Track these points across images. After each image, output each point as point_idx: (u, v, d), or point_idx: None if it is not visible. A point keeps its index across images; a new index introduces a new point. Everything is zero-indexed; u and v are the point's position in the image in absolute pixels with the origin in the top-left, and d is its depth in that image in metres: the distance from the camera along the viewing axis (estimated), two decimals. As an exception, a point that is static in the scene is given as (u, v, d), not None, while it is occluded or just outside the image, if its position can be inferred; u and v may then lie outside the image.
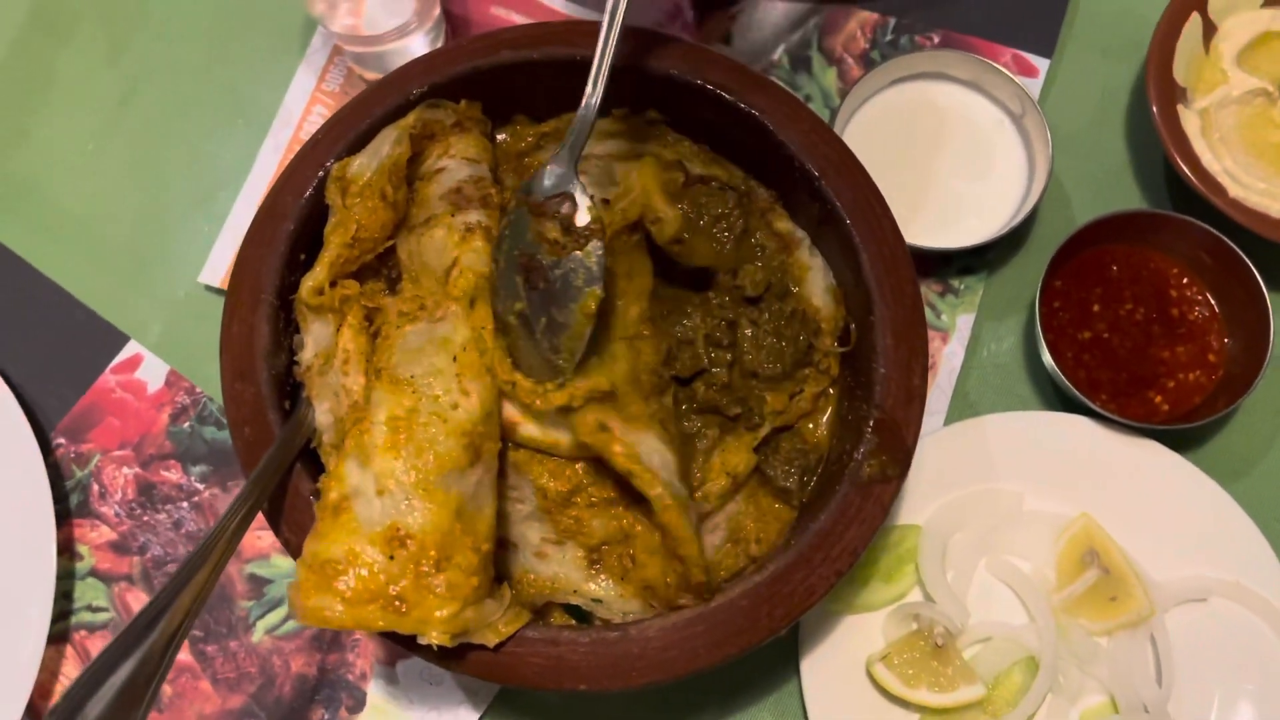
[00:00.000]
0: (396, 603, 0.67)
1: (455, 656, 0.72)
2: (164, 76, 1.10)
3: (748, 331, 0.83)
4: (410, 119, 0.82)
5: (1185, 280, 0.97)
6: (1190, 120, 0.98)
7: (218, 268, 1.02)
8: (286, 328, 0.80)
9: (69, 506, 0.97)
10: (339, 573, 0.67)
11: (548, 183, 0.76)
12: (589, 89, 0.76)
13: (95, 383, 1.00)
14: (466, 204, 0.78)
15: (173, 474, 0.98)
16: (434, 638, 0.68)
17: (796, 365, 0.84)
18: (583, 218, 0.75)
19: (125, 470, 0.98)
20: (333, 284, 0.76)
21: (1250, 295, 0.93)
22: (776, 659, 0.92)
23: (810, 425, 0.85)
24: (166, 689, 0.93)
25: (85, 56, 1.11)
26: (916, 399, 0.77)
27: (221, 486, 0.98)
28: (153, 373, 1.00)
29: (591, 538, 0.78)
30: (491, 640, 0.71)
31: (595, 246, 0.74)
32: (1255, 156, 0.96)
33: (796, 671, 0.91)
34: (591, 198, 0.75)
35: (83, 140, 1.08)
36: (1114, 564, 0.89)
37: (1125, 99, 1.06)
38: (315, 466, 0.77)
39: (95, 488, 0.98)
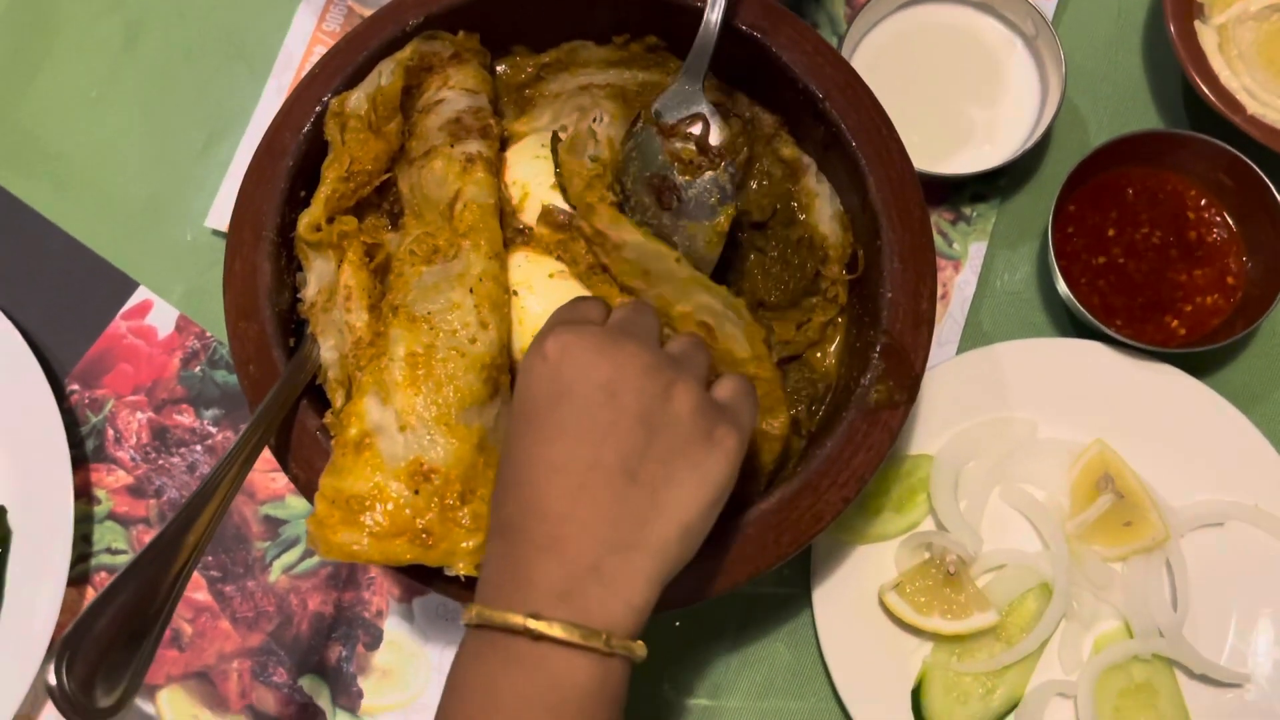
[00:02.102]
0: (423, 535, 0.68)
1: (472, 587, 0.72)
2: (166, 21, 1.09)
3: (753, 259, 0.82)
4: (406, 51, 0.80)
5: (1203, 202, 0.95)
6: (1208, 37, 0.95)
7: (224, 211, 1.01)
8: (289, 265, 0.80)
9: (85, 452, 0.98)
10: (365, 508, 0.68)
11: (677, 105, 0.78)
12: (709, 5, 0.77)
13: (106, 329, 1.01)
14: (466, 134, 0.77)
15: (186, 418, 0.99)
16: (461, 568, 0.69)
17: (804, 293, 0.83)
18: (716, 137, 0.77)
19: (139, 415, 0.99)
20: (330, 220, 0.76)
21: (1270, 215, 0.91)
22: (789, 591, 0.92)
23: (818, 354, 0.84)
24: (186, 628, 0.94)
25: (86, 3, 1.10)
26: (924, 324, 0.76)
27: (234, 429, 0.98)
28: (163, 318, 1.01)
29: (599, 469, 0.78)
30: None
31: (729, 165, 0.77)
32: (1274, 73, 0.94)
33: (809, 603, 0.91)
34: (724, 118, 0.78)
35: (86, 87, 1.08)
36: (1129, 489, 0.89)
37: (1141, 17, 1.04)
38: (321, 403, 0.77)
39: (110, 433, 0.98)
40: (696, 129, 0.78)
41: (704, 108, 0.78)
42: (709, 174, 0.77)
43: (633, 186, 0.79)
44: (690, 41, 0.84)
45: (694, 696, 0.91)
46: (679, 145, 0.78)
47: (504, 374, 0.73)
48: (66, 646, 0.57)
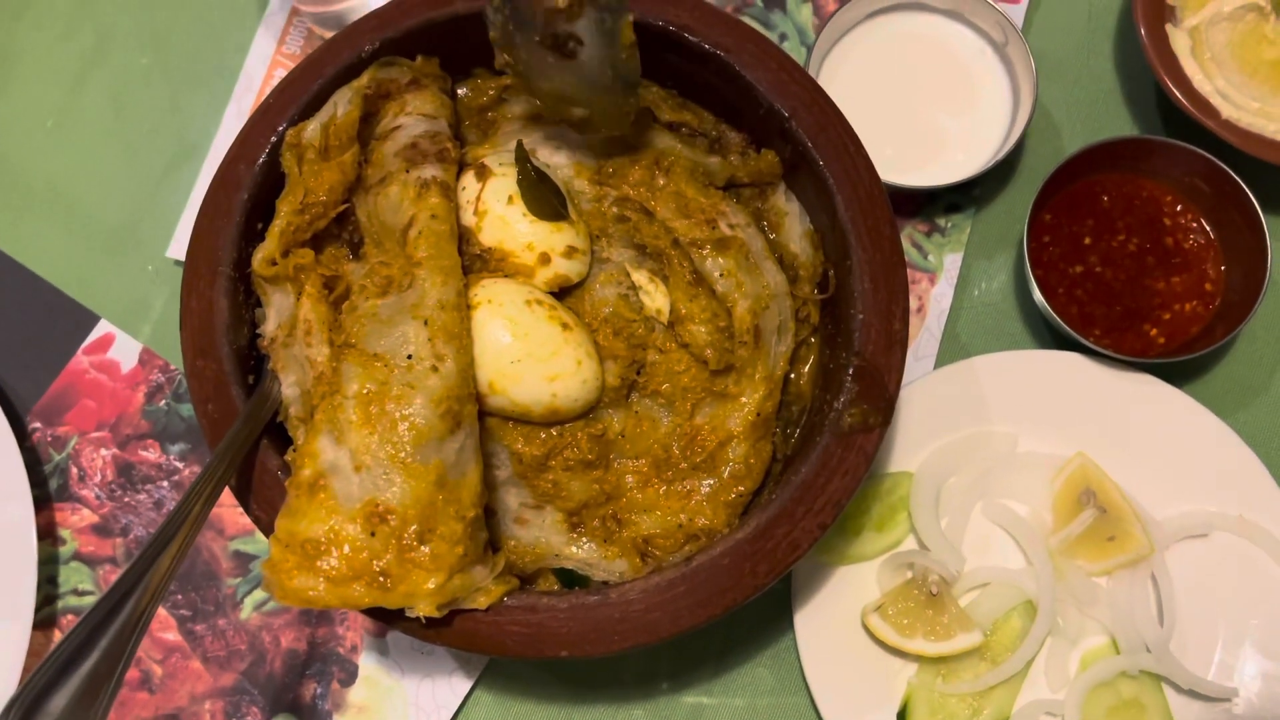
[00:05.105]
0: (381, 578, 0.66)
1: (437, 627, 0.71)
2: (122, 47, 1.07)
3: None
4: (364, 79, 0.79)
5: (1179, 208, 0.94)
6: (1180, 40, 0.94)
7: (185, 241, 0.99)
8: (247, 300, 0.78)
9: (49, 491, 0.96)
10: (321, 552, 0.66)
11: None
12: None
13: (68, 364, 0.98)
14: (422, 159, 0.75)
15: (151, 453, 0.96)
16: (422, 610, 0.67)
17: (776, 314, 0.82)
18: None
19: (103, 452, 0.97)
20: (286, 254, 0.74)
21: (1247, 220, 0.89)
22: (772, 613, 0.91)
23: (793, 376, 0.82)
24: (157, 669, 0.92)
25: (40, 31, 1.08)
26: (898, 344, 0.75)
27: (201, 464, 0.96)
28: (125, 352, 0.99)
29: (570, 501, 0.77)
30: (483, 603, 0.70)
31: None
32: (1248, 75, 0.92)
33: (791, 624, 0.89)
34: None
35: (43, 117, 1.06)
36: (1111, 503, 0.87)
37: (1113, 21, 1.02)
38: (283, 441, 0.75)
39: (74, 470, 0.96)
40: None
41: None
42: (590, 6, 0.70)
43: (527, 57, 0.74)
44: (655, 60, 0.82)
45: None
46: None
47: (466, 405, 0.71)
48: (15, 710, 0.56)
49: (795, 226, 0.82)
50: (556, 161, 0.81)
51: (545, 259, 0.76)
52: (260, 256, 0.74)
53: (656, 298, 0.79)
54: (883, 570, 0.89)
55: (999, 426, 0.92)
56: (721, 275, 0.77)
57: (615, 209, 0.79)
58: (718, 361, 0.76)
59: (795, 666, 0.90)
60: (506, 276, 0.76)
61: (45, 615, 0.94)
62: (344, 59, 0.80)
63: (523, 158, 0.76)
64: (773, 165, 0.82)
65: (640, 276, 0.79)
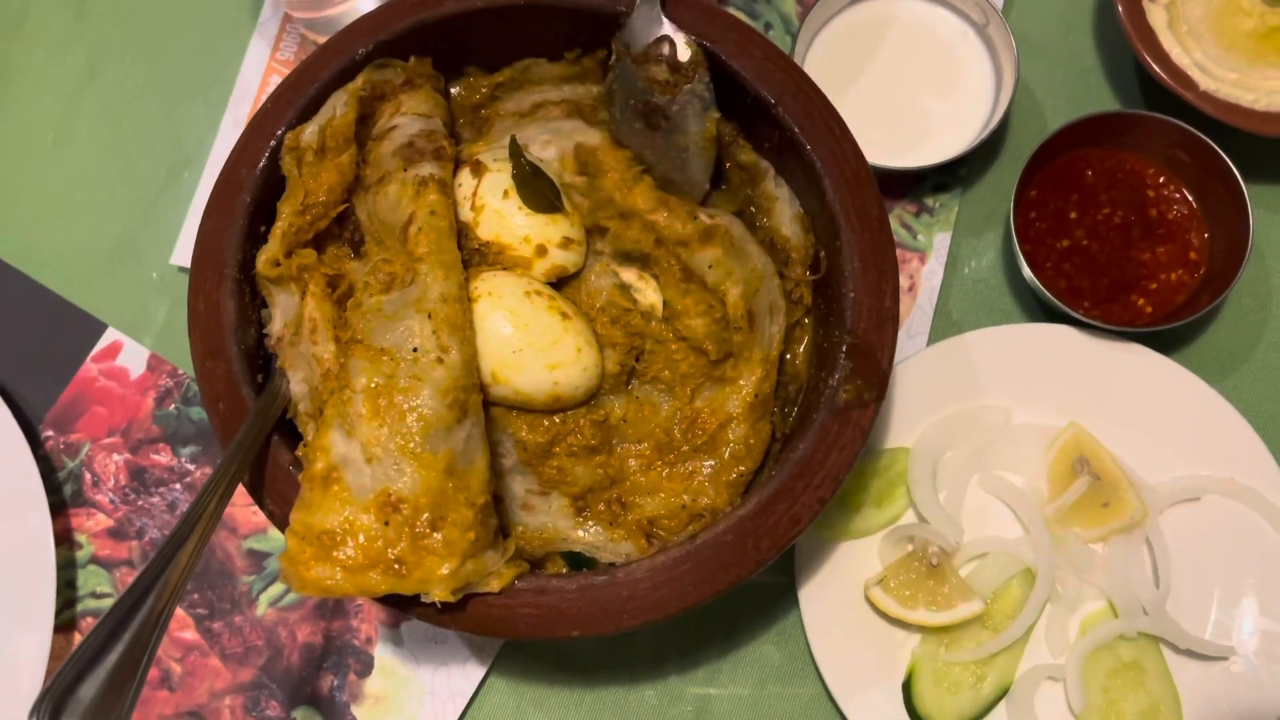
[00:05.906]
0: (396, 566, 0.68)
1: (451, 612, 0.72)
2: (118, 60, 1.09)
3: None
4: (358, 81, 0.80)
5: (1162, 179, 0.95)
6: (1157, 15, 0.96)
7: (189, 248, 1.01)
8: (253, 301, 0.80)
9: (64, 497, 0.98)
10: (337, 542, 0.68)
11: (642, 32, 0.80)
12: None
13: (78, 373, 1.00)
14: (419, 158, 0.77)
15: (163, 457, 0.98)
16: (437, 595, 0.69)
17: (770, 297, 0.84)
18: (684, 54, 0.79)
19: (116, 457, 0.98)
20: (290, 254, 0.76)
21: (1228, 188, 0.91)
22: (776, 590, 0.92)
23: (788, 356, 0.84)
24: (176, 668, 0.94)
25: (36, 46, 1.10)
26: (889, 321, 0.76)
27: (213, 466, 0.98)
28: (133, 358, 1.00)
29: (575, 486, 0.79)
30: (495, 587, 0.71)
31: (702, 75, 0.79)
32: (1225, 47, 0.94)
33: (796, 600, 0.91)
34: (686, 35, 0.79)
35: (42, 131, 1.07)
36: (1105, 470, 0.89)
37: (1091, -2, 1.04)
38: (293, 437, 0.77)
39: (88, 477, 0.98)
40: (664, 50, 0.80)
41: (667, 28, 0.80)
42: (686, 88, 0.79)
43: (621, 116, 0.81)
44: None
45: (682, 702, 0.92)
46: (652, 69, 0.80)
47: (471, 394, 0.73)
48: (44, 708, 0.57)
49: (785, 210, 0.84)
50: (547, 156, 0.82)
51: (542, 250, 0.78)
52: (264, 258, 0.76)
53: (648, 294, 0.81)
54: (883, 544, 0.91)
55: (993, 400, 0.93)
56: (711, 266, 0.79)
57: (591, 219, 0.81)
58: (718, 352, 0.78)
59: (801, 643, 0.92)
60: (505, 269, 0.78)
61: (65, 619, 0.95)
62: (338, 63, 0.82)
63: (516, 153, 0.78)
64: (753, 164, 0.85)
65: (630, 275, 0.81)
